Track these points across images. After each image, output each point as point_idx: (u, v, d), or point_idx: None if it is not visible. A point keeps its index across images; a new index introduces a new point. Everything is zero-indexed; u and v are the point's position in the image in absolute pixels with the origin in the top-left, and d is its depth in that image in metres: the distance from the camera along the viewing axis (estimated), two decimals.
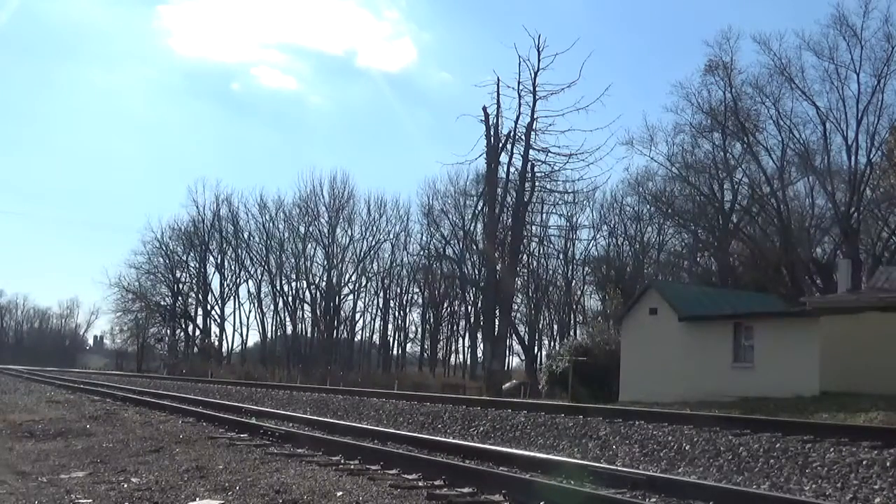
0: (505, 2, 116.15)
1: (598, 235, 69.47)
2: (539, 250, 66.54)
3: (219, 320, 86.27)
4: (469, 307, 74.82)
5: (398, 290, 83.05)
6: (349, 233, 79.56)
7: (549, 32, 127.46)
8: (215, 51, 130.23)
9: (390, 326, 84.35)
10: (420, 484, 8.36)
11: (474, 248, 67.08)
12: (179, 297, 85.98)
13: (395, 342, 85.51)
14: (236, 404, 20.42)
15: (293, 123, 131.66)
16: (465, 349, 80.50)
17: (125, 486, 8.31)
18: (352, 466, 9.57)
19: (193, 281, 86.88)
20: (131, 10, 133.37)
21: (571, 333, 58.64)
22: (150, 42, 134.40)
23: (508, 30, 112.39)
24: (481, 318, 61.09)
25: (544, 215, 58.73)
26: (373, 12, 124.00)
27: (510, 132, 49.20)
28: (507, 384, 49.12)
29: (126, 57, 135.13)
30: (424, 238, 77.44)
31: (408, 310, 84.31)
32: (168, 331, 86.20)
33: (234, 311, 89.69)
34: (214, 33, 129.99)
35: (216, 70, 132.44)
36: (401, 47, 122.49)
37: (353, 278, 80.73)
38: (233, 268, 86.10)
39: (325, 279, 79.84)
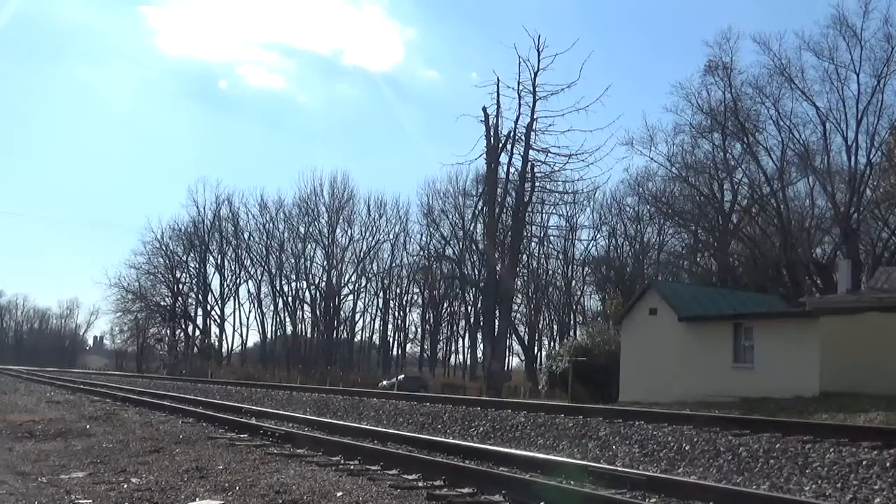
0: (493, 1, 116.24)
1: (598, 236, 69.65)
2: (539, 250, 66.70)
3: (219, 321, 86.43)
4: (469, 307, 74.86)
5: (398, 291, 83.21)
6: (349, 233, 79.77)
7: (545, 31, 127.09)
8: (201, 50, 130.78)
9: (390, 327, 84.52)
10: (420, 484, 8.36)
11: (474, 248, 67.14)
12: (179, 298, 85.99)
13: (395, 342, 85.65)
14: (236, 405, 20.41)
15: (285, 122, 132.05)
16: (465, 349, 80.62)
17: (125, 486, 8.30)
18: (352, 467, 9.56)
19: (193, 281, 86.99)
20: (119, 11, 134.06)
21: (571, 334, 58.67)
22: (138, 42, 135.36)
23: (493, 28, 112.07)
24: (481, 318, 61.09)
25: (544, 215, 58.86)
26: (356, 9, 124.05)
27: (510, 132, 49.28)
28: (385, 381, 47.95)
29: (115, 57, 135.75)
30: (424, 238, 77.65)
31: (408, 310, 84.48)
32: (168, 331, 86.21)
33: (234, 312, 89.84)
34: (199, 32, 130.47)
35: (203, 69, 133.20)
36: (386, 45, 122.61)
37: (353, 278, 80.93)
38: (233, 268, 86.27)
39: (324, 279, 79.90)
